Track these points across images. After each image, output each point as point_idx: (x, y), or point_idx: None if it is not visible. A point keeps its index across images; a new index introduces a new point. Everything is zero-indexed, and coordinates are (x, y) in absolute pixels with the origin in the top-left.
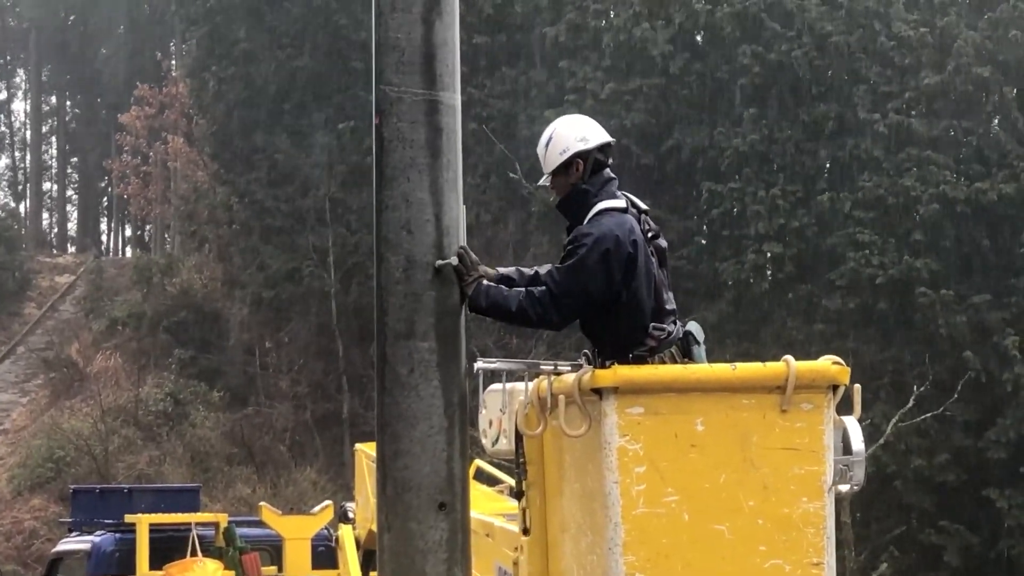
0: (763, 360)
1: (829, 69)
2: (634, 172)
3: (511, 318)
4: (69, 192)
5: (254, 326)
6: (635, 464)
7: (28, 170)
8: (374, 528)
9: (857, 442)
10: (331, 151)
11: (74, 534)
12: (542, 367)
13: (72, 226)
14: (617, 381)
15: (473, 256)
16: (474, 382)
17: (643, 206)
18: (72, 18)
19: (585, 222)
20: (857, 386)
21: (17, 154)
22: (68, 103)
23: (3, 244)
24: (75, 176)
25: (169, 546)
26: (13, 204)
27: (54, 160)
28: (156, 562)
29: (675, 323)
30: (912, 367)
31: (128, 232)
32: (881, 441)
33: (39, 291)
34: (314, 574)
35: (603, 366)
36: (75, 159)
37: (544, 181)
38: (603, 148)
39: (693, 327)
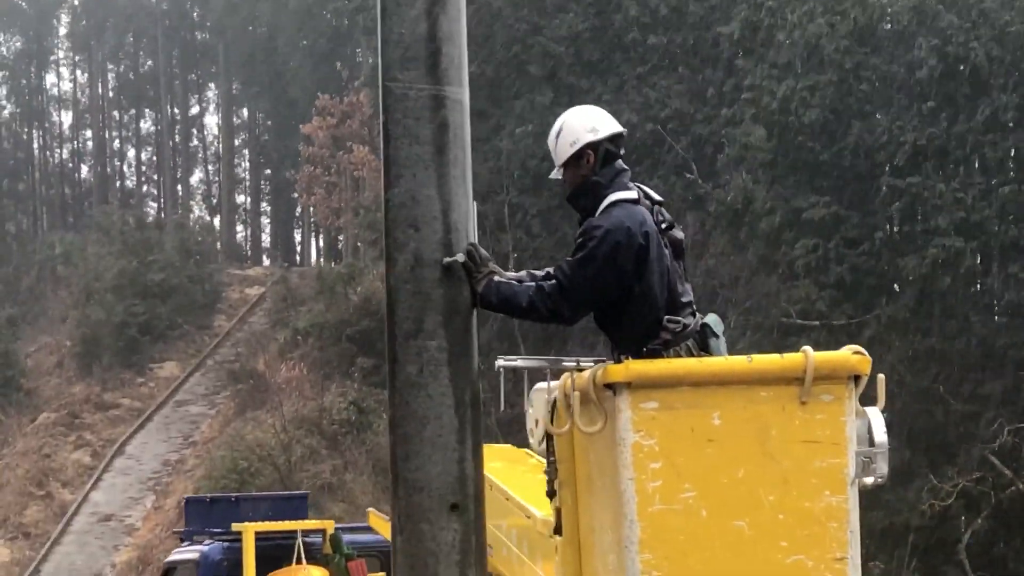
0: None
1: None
2: (813, 169)
3: (522, 313)
4: (263, 204)
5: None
6: (650, 460)
7: (221, 184)
8: None
9: (880, 433)
10: (510, 156)
11: (186, 544)
12: (564, 364)
13: (266, 238)
14: (630, 376)
15: (483, 252)
16: (497, 381)
17: (657, 197)
18: (261, 30)
19: (596, 214)
20: (881, 376)
21: (211, 168)
22: (259, 115)
23: (194, 258)
24: (267, 188)
25: (277, 554)
26: (208, 218)
27: (247, 173)
28: (263, 570)
29: (692, 316)
30: None
31: (321, 243)
32: None
33: (229, 303)
34: None
35: (619, 361)
36: (268, 171)
37: (555, 174)
38: (614, 139)
39: (711, 319)
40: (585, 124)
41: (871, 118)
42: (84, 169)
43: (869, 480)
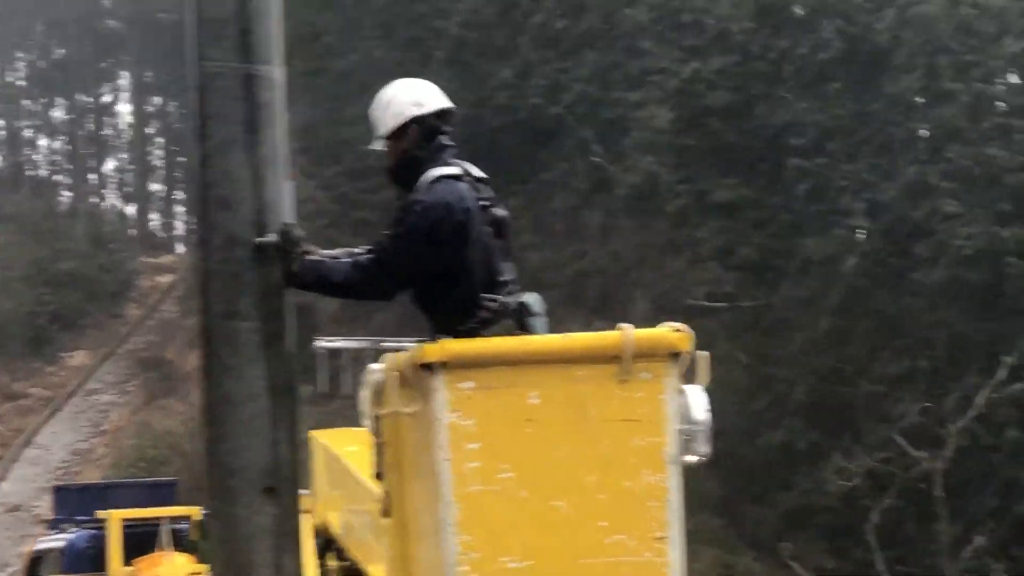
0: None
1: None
2: (719, 152)
3: (337, 290)
4: (177, 193)
5: (344, 320)
6: (467, 441)
7: (135, 172)
8: (328, 516)
9: (699, 411)
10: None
11: (54, 532)
12: (385, 345)
13: (180, 225)
14: (445, 356)
15: (299, 232)
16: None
17: (480, 174)
18: (172, 17)
19: (417, 190)
20: (704, 353)
21: (124, 156)
22: (172, 103)
23: (107, 246)
24: (181, 176)
25: (144, 541)
26: (121, 206)
27: (162, 161)
28: (130, 557)
29: (511, 295)
30: (1005, 338)
31: None
32: (974, 413)
33: (141, 292)
34: None
35: (436, 341)
36: (182, 159)
37: (376, 145)
38: (441, 114)
39: (530, 299)
40: (411, 97)
41: (777, 100)
42: None
43: (691, 459)
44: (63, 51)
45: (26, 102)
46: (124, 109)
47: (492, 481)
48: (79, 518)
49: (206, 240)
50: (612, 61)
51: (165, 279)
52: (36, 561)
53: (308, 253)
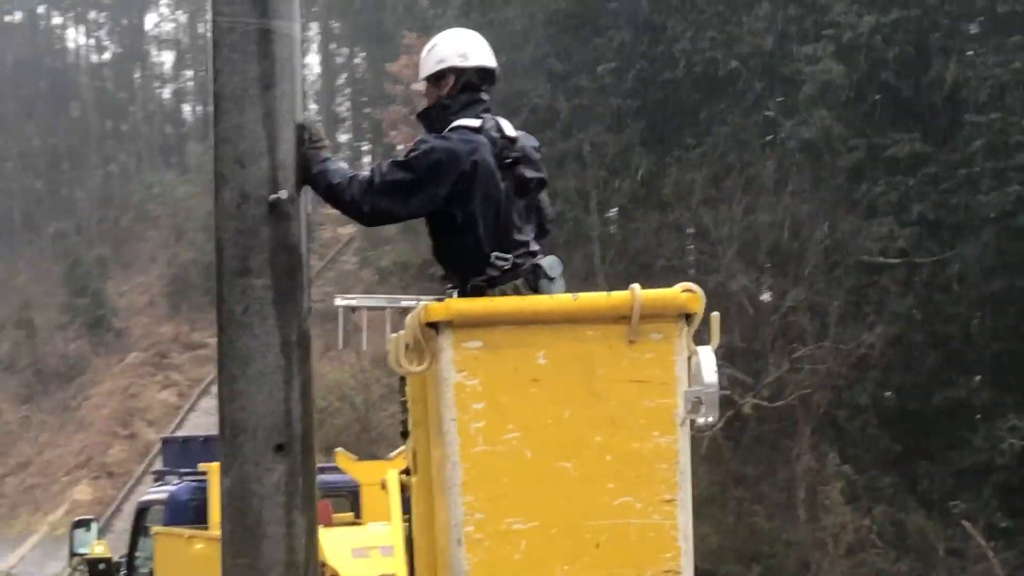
0: None
1: None
2: (895, 106)
3: (327, 193)
4: (364, 144)
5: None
6: (473, 400)
7: (323, 122)
8: None
9: (710, 374)
10: (590, 93)
11: (159, 483)
12: (403, 303)
13: None
14: (451, 315)
15: (316, 127)
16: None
17: (512, 133)
18: None
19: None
20: (716, 314)
21: (313, 107)
22: (359, 53)
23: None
24: (366, 127)
25: None
26: None
27: (349, 112)
28: None
29: (528, 256)
30: None
31: None
32: None
33: (322, 243)
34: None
35: (447, 297)
36: (368, 110)
37: (417, 85)
38: (483, 72)
39: (546, 262)
40: (457, 48)
41: (954, 53)
42: (186, 109)
43: (700, 421)
44: None
45: None
46: (312, 60)
47: (498, 441)
48: (182, 470)
49: (219, 196)
50: (788, 15)
51: (346, 230)
52: (142, 513)
53: (321, 148)
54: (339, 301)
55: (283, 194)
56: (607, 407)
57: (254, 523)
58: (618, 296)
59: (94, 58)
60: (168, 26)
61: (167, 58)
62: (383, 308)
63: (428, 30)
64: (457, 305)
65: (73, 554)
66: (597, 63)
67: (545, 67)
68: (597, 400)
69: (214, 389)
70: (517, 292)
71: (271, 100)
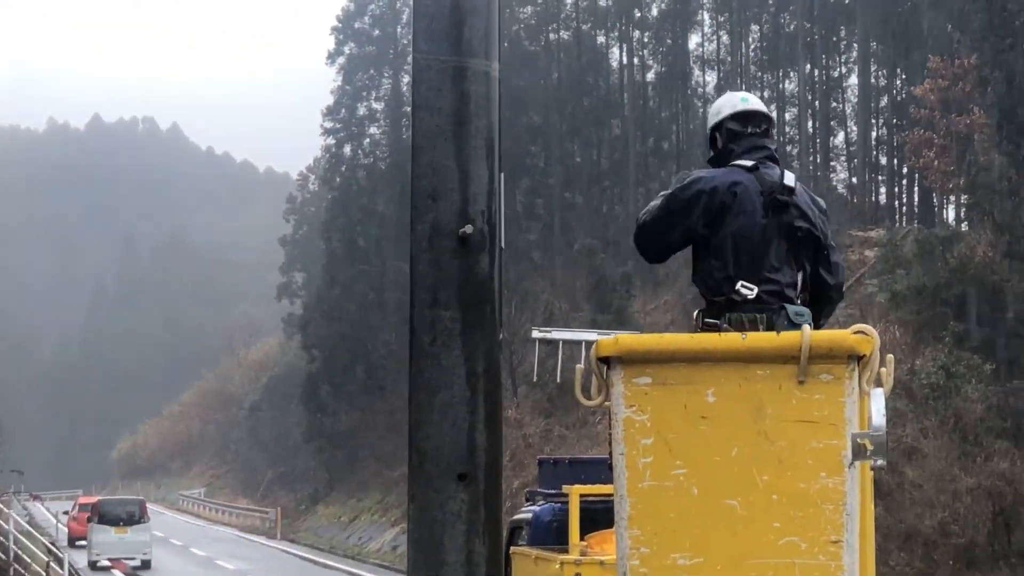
0: None
1: None
2: None
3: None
4: (903, 168)
5: None
6: (641, 435)
7: (858, 145)
8: None
9: (878, 416)
10: None
11: (529, 504)
12: (593, 336)
13: (882, 199)
14: (620, 350)
15: None
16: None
17: (791, 183)
18: None
19: None
20: (890, 356)
21: (852, 128)
22: (901, 74)
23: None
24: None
25: (603, 517)
26: (847, 178)
27: (885, 135)
28: (587, 532)
29: (776, 297)
30: None
31: (915, 203)
32: None
33: (847, 265)
34: None
35: (696, 318)
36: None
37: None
38: (736, 117)
39: (795, 308)
40: (714, 108)
41: None
42: None
43: (869, 463)
44: (793, 23)
45: (757, 72)
46: (852, 83)
47: (665, 477)
48: (548, 491)
49: (414, 229)
50: None
51: (872, 253)
52: (514, 531)
53: None
54: (535, 334)
55: (469, 228)
56: (775, 446)
57: (434, 550)
58: (787, 336)
59: (637, 77)
60: (710, 46)
61: (710, 78)
62: (579, 342)
63: (953, 52)
64: (627, 341)
65: None
66: None
67: None
68: (765, 439)
69: None
70: (753, 325)
71: (464, 136)
